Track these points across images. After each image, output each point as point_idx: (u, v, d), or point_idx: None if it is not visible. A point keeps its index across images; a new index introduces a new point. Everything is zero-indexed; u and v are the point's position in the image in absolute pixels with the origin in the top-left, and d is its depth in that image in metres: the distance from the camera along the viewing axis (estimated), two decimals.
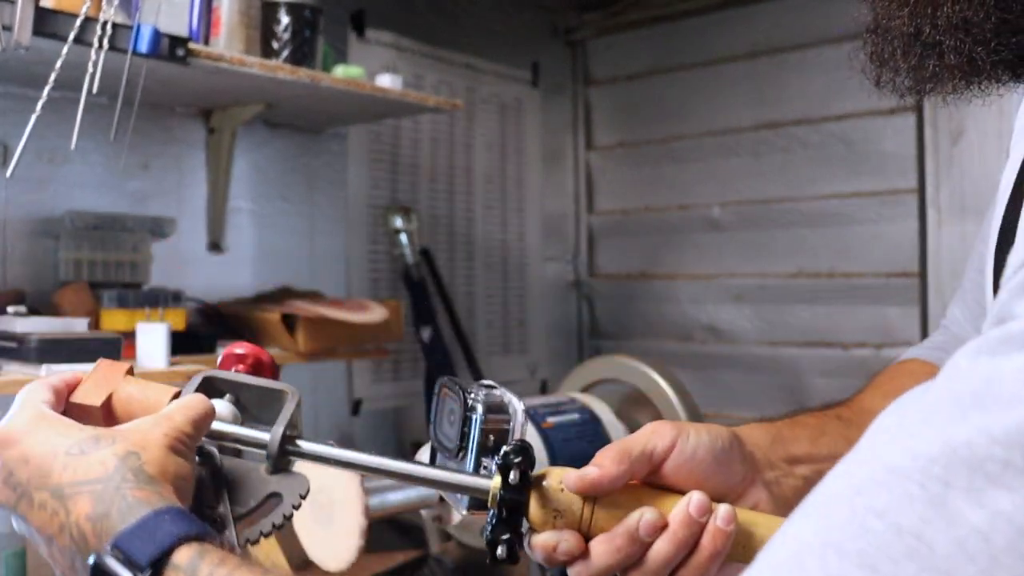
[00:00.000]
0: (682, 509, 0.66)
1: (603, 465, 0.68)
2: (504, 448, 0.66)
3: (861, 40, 0.73)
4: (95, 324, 1.40)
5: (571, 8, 2.53)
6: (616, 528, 0.66)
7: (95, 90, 1.16)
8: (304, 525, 1.00)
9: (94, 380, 0.70)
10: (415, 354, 2.04)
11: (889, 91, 0.72)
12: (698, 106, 2.35)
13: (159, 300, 1.46)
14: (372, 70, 1.77)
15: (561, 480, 0.66)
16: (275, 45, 1.51)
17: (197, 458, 0.67)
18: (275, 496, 0.69)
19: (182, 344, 1.44)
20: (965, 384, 0.41)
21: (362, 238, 2.02)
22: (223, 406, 0.70)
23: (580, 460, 1.15)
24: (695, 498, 0.67)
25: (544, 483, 0.66)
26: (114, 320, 1.43)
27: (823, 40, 2.13)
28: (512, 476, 0.64)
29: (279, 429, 0.67)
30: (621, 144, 2.53)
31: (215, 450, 0.70)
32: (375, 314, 1.64)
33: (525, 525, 0.67)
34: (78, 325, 1.29)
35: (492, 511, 0.65)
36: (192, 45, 1.31)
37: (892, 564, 0.37)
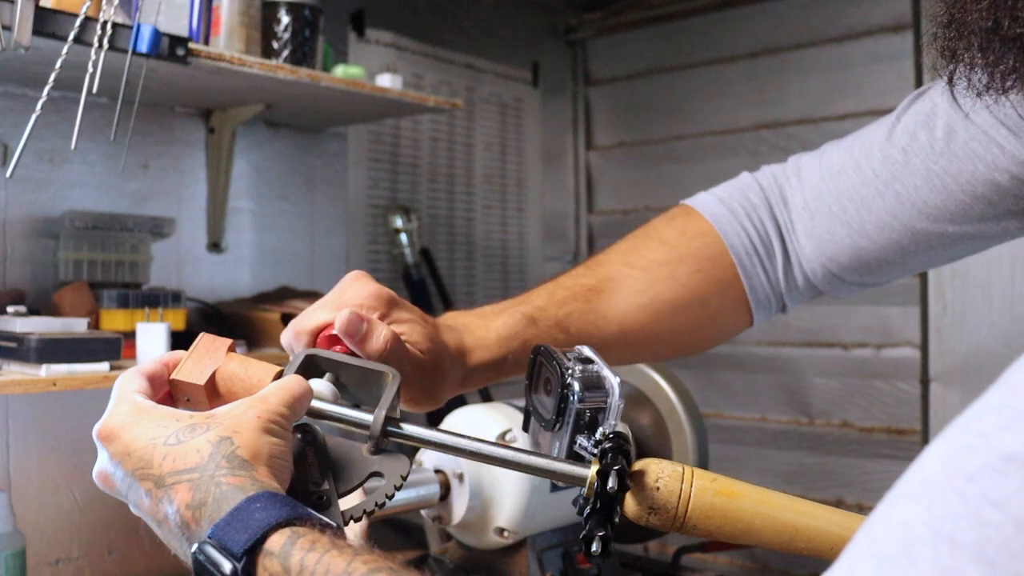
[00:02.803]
0: None
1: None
2: (603, 443, 0.65)
3: (931, 35, 0.69)
4: (95, 324, 1.40)
5: (571, 8, 2.53)
6: None
7: (95, 90, 1.16)
8: None
9: (196, 357, 0.72)
10: None
11: (963, 89, 0.69)
12: (699, 106, 2.35)
13: (159, 300, 1.46)
14: (372, 70, 1.77)
15: (658, 478, 0.66)
16: (275, 45, 1.51)
17: (299, 435, 0.69)
18: (377, 475, 0.70)
19: (182, 344, 1.43)
20: None
21: (362, 238, 2.02)
22: (324, 386, 0.72)
23: None
24: None
25: (643, 479, 0.66)
26: (114, 320, 1.43)
27: (824, 40, 2.13)
28: (611, 482, 0.64)
29: (382, 412, 0.69)
30: (621, 144, 2.53)
31: (318, 428, 0.71)
32: None
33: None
34: (78, 325, 1.29)
35: (589, 500, 0.65)
36: (192, 45, 1.30)
37: (1012, 559, 0.34)
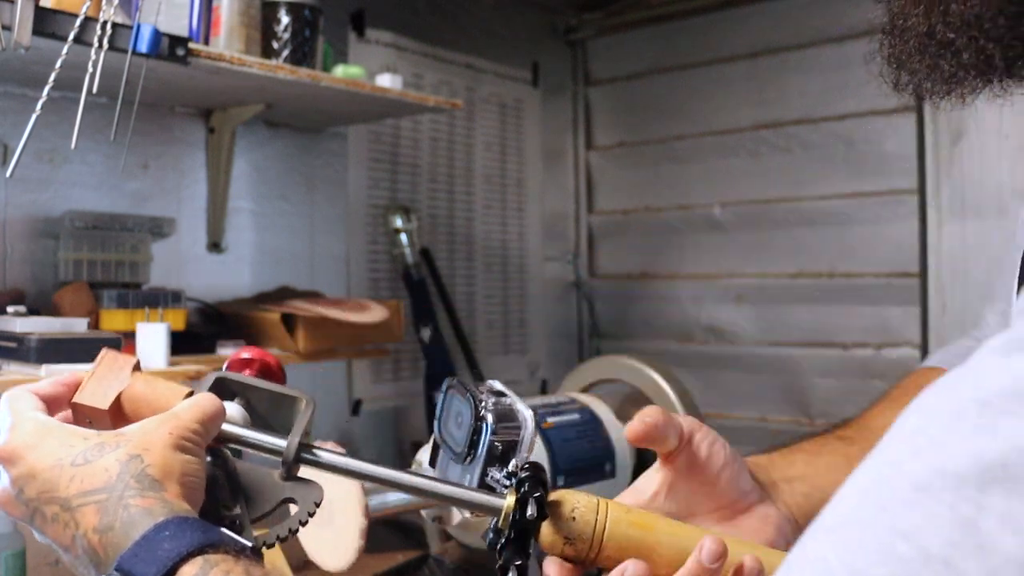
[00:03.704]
0: (694, 559, 0.65)
1: (650, 414, 0.72)
2: (518, 473, 0.66)
3: (878, 42, 0.70)
4: (95, 324, 1.40)
5: (571, 8, 2.53)
6: None
7: (95, 90, 1.16)
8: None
9: (98, 377, 0.68)
10: (415, 354, 2.04)
11: (908, 94, 0.70)
12: (698, 106, 2.35)
13: (159, 300, 1.46)
14: (372, 70, 1.77)
15: (574, 508, 0.66)
16: (275, 45, 1.51)
17: (209, 459, 0.66)
18: (290, 501, 0.68)
19: (182, 344, 1.44)
20: (994, 384, 0.37)
21: (362, 238, 2.02)
22: (234, 408, 0.70)
23: (580, 460, 1.15)
24: (707, 545, 0.64)
25: (559, 509, 0.66)
26: (114, 320, 1.42)
27: (824, 40, 2.13)
28: (530, 510, 0.64)
29: (295, 437, 0.67)
30: (621, 144, 2.53)
31: (228, 452, 0.69)
32: (375, 314, 1.64)
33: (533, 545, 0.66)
34: (78, 325, 1.29)
35: (502, 532, 0.65)
36: (192, 45, 1.30)
37: None
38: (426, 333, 1.97)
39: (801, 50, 2.17)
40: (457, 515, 1.06)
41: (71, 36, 1.15)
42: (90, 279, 1.46)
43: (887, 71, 0.71)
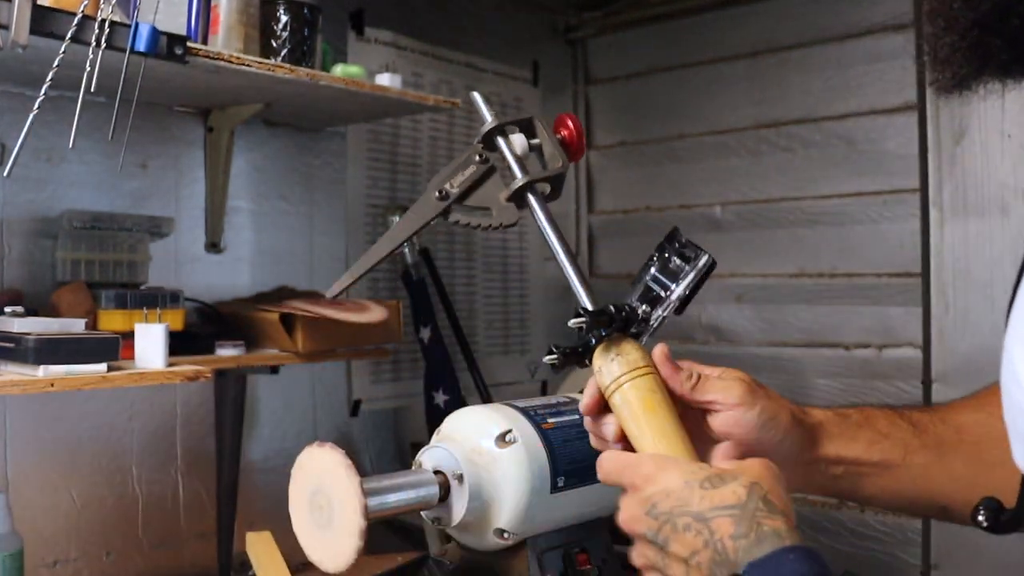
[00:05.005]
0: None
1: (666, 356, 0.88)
2: (616, 311, 0.87)
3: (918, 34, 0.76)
4: (93, 324, 1.39)
5: (571, 7, 2.53)
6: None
7: (93, 89, 1.15)
8: (303, 526, 1.00)
9: None
10: (415, 354, 2.04)
11: (935, 89, 0.75)
12: (699, 105, 2.34)
13: (157, 300, 1.45)
14: (371, 69, 1.76)
15: (616, 356, 0.85)
16: (274, 44, 1.50)
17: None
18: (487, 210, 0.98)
19: (180, 344, 1.43)
20: None
21: (361, 238, 2.01)
22: (519, 138, 0.99)
23: (580, 461, 1.15)
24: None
25: (611, 348, 0.85)
26: (112, 320, 1.42)
27: (825, 39, 2.12)
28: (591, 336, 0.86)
29: (533, 175, 0.96)
30: (621, 143, 2.52)
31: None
32: (375, 314, 1.63)
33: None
34: (76, 325, 1.28)
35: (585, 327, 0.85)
36: (190, 44, 1.30)
37: None
38: (425, 333, 1.96)
39: (802, 49, 2.16)
40: (457, 516, 1.05)
41: (69, 35, 1.14)
42: (88, 279, 1.46)
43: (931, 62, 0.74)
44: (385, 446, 2.05)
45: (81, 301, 1.41)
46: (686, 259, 0.91)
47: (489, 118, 0.99)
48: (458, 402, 1.93)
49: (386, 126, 2.06)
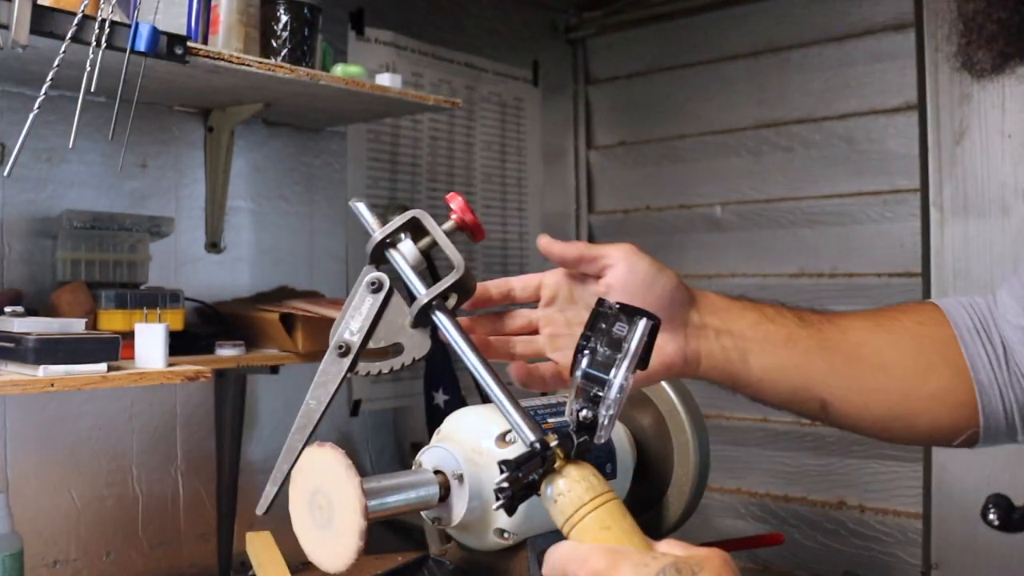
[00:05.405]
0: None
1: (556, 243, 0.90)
2: (555, 439, 0.74)
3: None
4: (93, 324, 1.39)
5: (571, 6, 2.53)
6: None
7: (93, 89, 1.15)
8: (303, 526, 1.00)
9: None
10: None
11: (974, 72, 0.75)
12: (699, 105, 2.34)
13: (157, 300, 1.45)
14: (371, 69, 1.76)
15: (559, 495, 0.74)
16: (274, 44, 1.50)
17: (379, 287, 0.85)
18: (397, 349, 0.83)
19: (180, 344, 1.43)
20: None
21: (362, 238, 2.00)
22: (409, 248, 0.89)
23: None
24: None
25: (552, 483, 0.74)
26: (112, 320, 1.42)
27: (825, 39, 2.12)
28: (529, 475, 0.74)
29: (431, 294, 0.82)
30: (622, 143, 2.52)
31: (392, 286, 0.85)
32: None
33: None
34: (76, 325, 1.28)
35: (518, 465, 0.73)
36: (191, 43, 1.30)
37: None
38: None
39: (803, 49, 2.16)
40: (457, 516, 1.05)
41: (69, 35, 1.14)
42: (88, 279, 1.46)
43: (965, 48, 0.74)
44: (385, 446, 2.05)
45: (81, 301, 1.41)
46: (615, 343, 0.74)
47: (375, 230, 0.91)
48: (458, 402, 1.93)
49: (386, 126, 2.06)
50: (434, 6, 2.19)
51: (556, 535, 1.13)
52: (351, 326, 0.86)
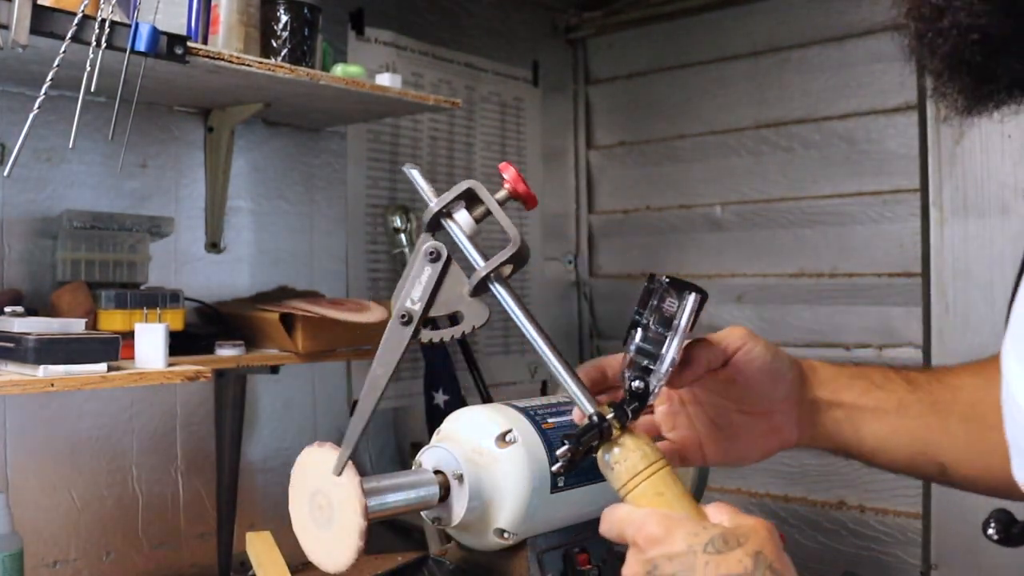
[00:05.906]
0: None
1: (695, 358, 0.85)
2: (615, 406, 0.79)
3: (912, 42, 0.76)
4: (93, 324, 1.39)
5: (571, 6, 2.53)
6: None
7: (93, 89, 1.15)
8: (303, 526, 1.00)
9: None
10: (414, 354, 2.04)
11: (945, 107, 0.76)
12: (699, 105, 2.34)
13: (157, 300, 1.45)
14: (371, 69, 1.76)
15: (616, 463, 0.78)
16: (274, 44, 1.50)
17: (438, 253, 0.87)
18: (457, 317, 0.86)
19: (180, 344, 1.43)
20: None
21: (361, 238, 2.01)
22: (465, 217, 0.89)
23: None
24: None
25: (610, 450, 0.79)
26: (112, 320, 1.42)
27: (825, 39, 2.12)
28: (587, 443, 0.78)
29: (490, 266, 0.85)
30: (622, 143, 2.52)
31: (450, 255, 0.88)
32: (374, 314, 1.63)
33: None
34: (76, 325, 1.28)
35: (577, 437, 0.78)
36: (191, 43, 1.30)
37: None
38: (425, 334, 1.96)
39: (803, 49, 2.16)
40: (457, 516, 1.05)
41: (69, 35, 1.14)
42: (88, 279, 1.46)
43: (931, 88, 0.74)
44: (385, 446, 2.05)
45: (81, 301, 1.41)
46: (666, 320, 0.81)
47: (432, 200, 0.91)
48: (458, 402, 1.93)
49: (386, 126, 2.06)
50: (434, 6, 2.19)
51: (556, 535, 1.13)
52: (412, 295, 0.88)
